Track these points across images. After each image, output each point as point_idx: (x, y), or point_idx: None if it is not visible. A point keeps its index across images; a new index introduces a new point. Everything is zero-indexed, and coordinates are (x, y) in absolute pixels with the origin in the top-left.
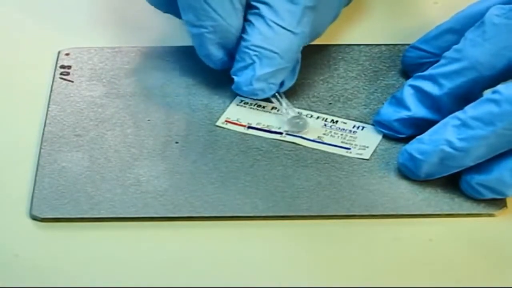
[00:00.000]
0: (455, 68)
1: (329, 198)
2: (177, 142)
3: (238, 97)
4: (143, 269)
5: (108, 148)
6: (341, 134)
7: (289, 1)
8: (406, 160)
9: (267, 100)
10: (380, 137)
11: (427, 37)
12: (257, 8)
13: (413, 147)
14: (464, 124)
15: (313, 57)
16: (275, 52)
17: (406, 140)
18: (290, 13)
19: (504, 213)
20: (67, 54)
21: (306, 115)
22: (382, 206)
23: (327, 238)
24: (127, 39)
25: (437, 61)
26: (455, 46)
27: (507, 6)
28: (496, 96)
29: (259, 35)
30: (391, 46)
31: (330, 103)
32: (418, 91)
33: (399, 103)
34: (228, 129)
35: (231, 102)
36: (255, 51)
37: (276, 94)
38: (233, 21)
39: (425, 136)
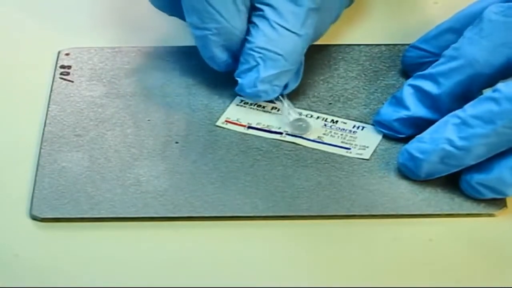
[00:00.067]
0: (453, 66)
1: (329, 198)
2: (177, 142)
3: (238, 97)
4: (143, 269)
5: (108, 148)
6: (341, 134)
7: (293, 3)
8: (406, 159)
9: (270, 102)
10: (380, 137)
11: (427, 36)
12: (261, 10)
13: (413, 146)
14: (464, 123)
15: (313, 57)
16: (279, 54)
17: (406, 140)
18: (294, 15)
19: (504, 213)
20: (67, 54)
21: (306, 115)
22: (382, 206)
23: (327, 238)
24: (127, 39)
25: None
26: (453, 45)
27: (505, 4)
28: (496, 95)
29: (264, 37)
30: (391, 46)
31: (330, 103)
32: (418, 90)
33: (399, 103)
34: (228, 129)
35: (231, 102)
36: (259, 53)
37: (279, 96)
38: (237, 23)
39: (425, 135)
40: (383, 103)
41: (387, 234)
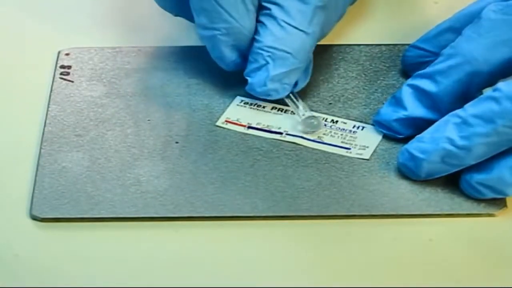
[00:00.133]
0: (451, 64)
1: (329, 198)
2: (177, 142)
3: (238, 97)
4: (143, 269)
5: (108, 148)
6: (341, 134)
7: (300, 1)
8: (407, 159)
9: (281, 100)
10: (380, 137)
11: (427, 36)
12: (268, 9)
13: (413, 146)
14: (464, 122)
15: (314, 57)
16: (288, 52)
17: (406, 140)
18: (301, 13)
19: (504, 213)
20: (67, 54)
21: None
22: (382, 206)
23: (327, 238)
24: (128, 39)
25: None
26: (451, 43)
27: (504, 3)
28: (496, 94)
29: (272, 35)
30: (391, 46)
31: (330, 103)
32: (416, 89)
33: (398, 103)
34: (228, 129)
35: (231, 102)
36: (268, 51)
37: (290, 94)
38: (246, 22)
39: (425, 134)
40: (383, 103)
41: (387, 234)
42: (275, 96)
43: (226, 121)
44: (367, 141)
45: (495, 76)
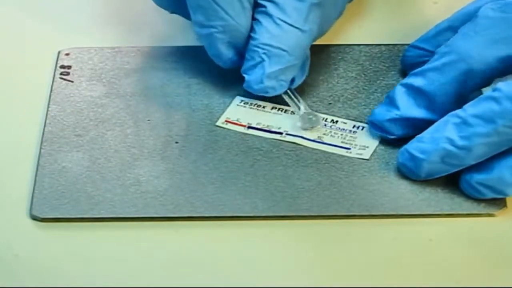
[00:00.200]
0: (445, 61)
1: (329, 198)
2: (177, 142)
3: (238, 97)
4: (143, 269)
5: (108, 148)
6: (341, 134)
7: None
8: (406, 159)
9: (279, 97)
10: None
11: (427, 36)
12: (264, 6)
13: (413, 146)
14: (464, 122)
15: (313, 57)
16: (283, 50)
17: (407, 140)
18: (296, 10)
19: (504, 213)
20: (67, 54)
21: None
22: (382, 206)
23: (327, 238)
24: (127, 39)
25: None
26: (447, 42)
27: (502, 1)
28: (496, 94)
29: (267, 33)
30: (391, 46)
31: (330, 103)
32: (410, 88)
33: (391, 102)
34: (228, 129)
35: (231, 102)
36: (263, 49)
37: (288, 91)
38: (242, 20)
39: (425, 134)
40: None
41: (387, 234)
42: (272, 93)
43: (226, 121)
44: (367, 141)
45: (490, 76)
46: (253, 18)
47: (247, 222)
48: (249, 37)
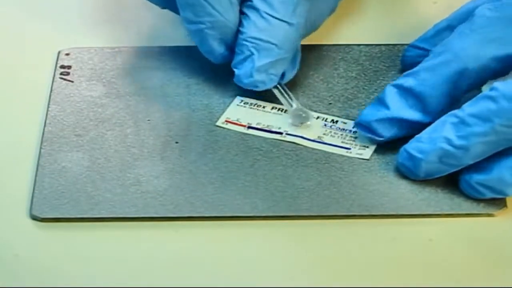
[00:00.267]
0: (439, 60)
1: (329, 198)
2: (177, 142)
3: (238, 97)
4: (143, 269)
5: (108, 148)
6: (341, 134)
7: None
8: (405, 159)
9: (269, 92)
10: None
11: (426, 35)
12: (250, 0)
13: (411, 146)
14: (462, 122)
15: (313, 57)
16: (272, 43)
17: (406, 140)
18: (283, 3)
19: (504, 213)
20: (67, 54)
21: None
22: (382, 206)
23: (327, 238)
24: (127, 39)
25: None
26: (443, 41)
27: (499, 1)
28: (493, 93)
29: (255, 27)
30: (391, 46)
31: (330, 103)
32: (400, 88)
33: (381, 102)
34: (228, 129)
35: (231, 102)
36: (252, 43)
37: (278, 86)
38: (230, 15)
39: (423, 134)
40: None
41: (387, 234)
42: (262, 87)
43: (226, 121)
44: (367, 141)
45: (484, 76)
46: (241, 12)
47: (247, 222)
48: (238, 32)
